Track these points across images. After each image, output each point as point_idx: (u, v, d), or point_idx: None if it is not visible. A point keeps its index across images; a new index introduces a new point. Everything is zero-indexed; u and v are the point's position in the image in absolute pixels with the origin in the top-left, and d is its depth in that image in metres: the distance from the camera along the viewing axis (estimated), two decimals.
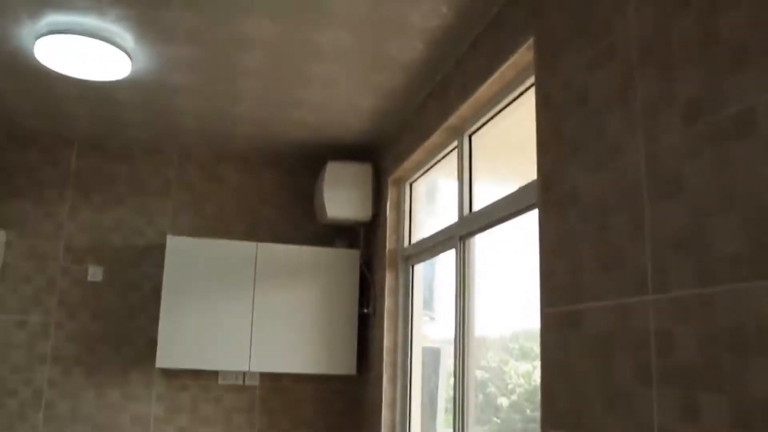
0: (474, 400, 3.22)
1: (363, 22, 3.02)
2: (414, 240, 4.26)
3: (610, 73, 1.94)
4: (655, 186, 1.70)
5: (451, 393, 3.38)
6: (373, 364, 4.49)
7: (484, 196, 3.27)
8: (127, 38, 3.29)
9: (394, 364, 4.25)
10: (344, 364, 4.63)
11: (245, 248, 4.62)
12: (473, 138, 3.43)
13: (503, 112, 3.10)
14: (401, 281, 4.32)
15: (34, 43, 3.33)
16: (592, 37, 2.06)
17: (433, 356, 4.24)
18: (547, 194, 2.27)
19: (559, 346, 2.12)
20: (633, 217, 1.78)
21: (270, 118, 4.30)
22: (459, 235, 3.36)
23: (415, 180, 4.33)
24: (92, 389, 4.69)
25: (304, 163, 5.23)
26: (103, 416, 4.66)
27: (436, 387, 4.14)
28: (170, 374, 4.78)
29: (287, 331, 4.57)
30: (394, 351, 4.26)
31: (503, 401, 3.24)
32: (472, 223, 3.23)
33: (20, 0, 2.99)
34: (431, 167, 4.04)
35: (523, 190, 2.70)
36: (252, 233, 5.06)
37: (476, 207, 3.32)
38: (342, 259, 4.73)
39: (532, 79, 2.71)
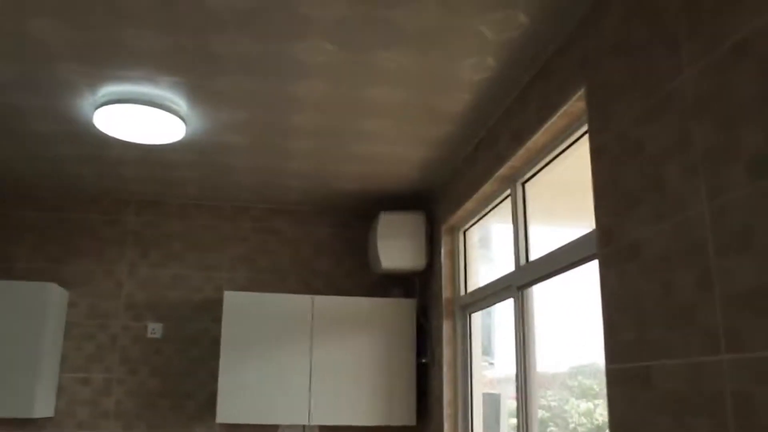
0: None
1: (411, 77, 3.05)
2: (470, 288, 4.22)
3: (666, 124, 1.91)
4: (722, 241, 1.65)
5: None
6: (433, 413, 4.43)
7: (540, 239, 3.24)
8: (181, 104, 3.37)
9: (454, 414, 4.18)
10: (403, 415, 4.57)
11: (301, 301, 4.63)
12: (526, 186, 3.40)
13: (557, 158, 3.08)
14: (459, 330, 4.27)
15: (93, 113, 3.45)
16: (646, 87, 2.03)
17: (493, 402, 4.16)
18: (607, 247, 2.23)
19: (628, 403, 2.06)
20: (700, 273, 1.73)
21: (322, 171, 4.35)
22: (517, 286, 3.31)
23: (469, 228, 4.31)
24: None
25: (356, 214, 5.26)
26: None
27: None
28: (230, 428, 4.79)
29: (346, 383, 4.54)
30: (455, 400, 4.20)
31: None
32: (530, 273, 3.18)
33: (80, 74, 3.10)
34: (484, 215, 4.02)
35: (581, 241, 2.66)
36: (307, 285, 5.09)
37: (533, 254, 3.28)
38: (398, 309, 4.71)
39: (585, 127, 2.69)
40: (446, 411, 4.19)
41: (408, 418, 4.57)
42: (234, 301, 4.58)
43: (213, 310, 4.96)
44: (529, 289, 3.28)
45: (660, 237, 1.92)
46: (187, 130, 3.67)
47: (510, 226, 3.49)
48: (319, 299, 4.66)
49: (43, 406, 4.46)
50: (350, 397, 4.54)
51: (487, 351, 4.27)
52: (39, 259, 4.93)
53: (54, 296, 4.56)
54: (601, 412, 2.90)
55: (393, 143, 3.85)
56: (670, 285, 1.86)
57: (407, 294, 5.05)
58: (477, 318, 4.22)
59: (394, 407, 4.57)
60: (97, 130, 3.72)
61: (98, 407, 4.74)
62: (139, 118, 3.40)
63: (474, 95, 3.22)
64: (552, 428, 3.21)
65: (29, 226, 4.97)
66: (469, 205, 3.96)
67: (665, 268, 1.88)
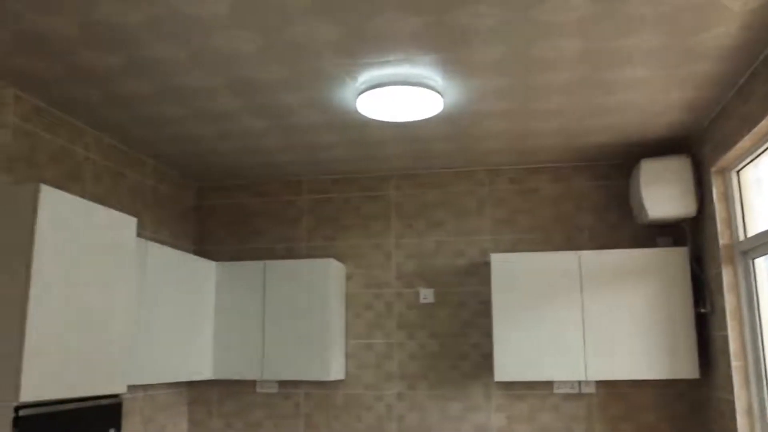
0: None
1: (671, 18, 2.89)
2: (751, 232, 3.94)
3: None
4: None
5: None
6: (718, 366, 4.22)
7: None
8: (437, 79, 3.49)
9: (744, 365, 3.95)
10: (685, 368, 4.40)
11: (568, 258, 4.62)
12: None
13: None
14: (742, 277, 4.01)
15: (356, 100, 3.69)
16: None
17: None
18: None
19: None
20: None
21: (577, 127, 4.28)
22: None
23: (743, 168, 4.00)
24: (436, 402, 5.01)
25: (615, 164, 5.10)
26: (448, 427, 4.96)
27: None
28: (506, 385, 4.94)
29: (620, 337, 4.47)
30: (743, 351, 3.97)
31: None
32: None
33: (342, 66, 3.33)
34: (763, 152, 3.71)
35: None
36: (570, 241, 5.05)
37: None
38: (669, 259, 4.52)
39: None
40: (734, 363, 3.97)
41: (690, 370, 4.40)
42: (501, 262, 4.68)
43: (479, 273, 5.12)
44: None
45: None
46: (444, 103, 3.80)
47: None
48: (586, 255, 4.61)
49: (336, 370, 4.92)
50: (626, 351, 4.46)
51: None
52: (316, 238, 5.40)
53: (334, 271, 4.98)
54: None
55: (651, 89, 3.68)
56: None
57: (676, 242, 4.82)
58: (761, 262, 3.93)
59: (674, 360, 4.42)
60: (360, 115, 3.98)
61: (382, 369, 5.13)
62: (399, 98, 3.58)
63: (743, 26, 2.97)
64: None
65: (304, 209, 5.46)
66: (743, 143, 3.68)
67: None
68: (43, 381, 2.80)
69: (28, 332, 2.74)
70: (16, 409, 2.65)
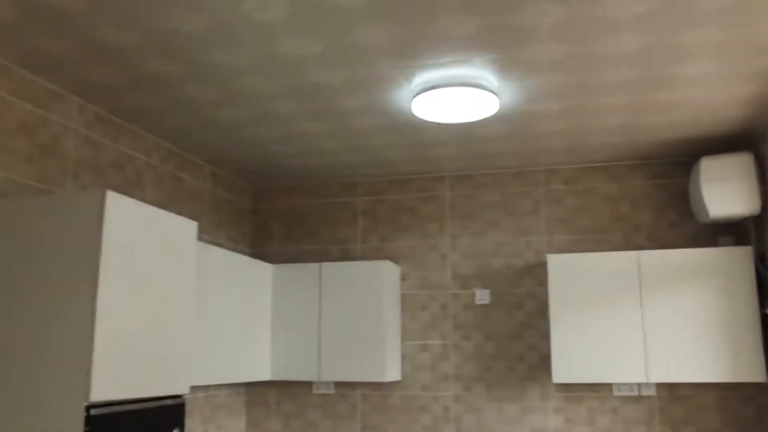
0: None
1: (733, 12, 2.83)
2: None
3: None
4: None
5: None
6: None
7: None
8: (492, 79, 3.48)
9: None
10: (750, 370, 4.29)
11: (627, 258, 4.55)
12: None
13: None
14: None
15: (411, 102, 3.69)
16: None
17: None
18: None
19: None
20: None
21: (635, 125, 4.21)
22: None
23: None
24: (493, 404, 4.99)
25: (673, 162, 5.00)
26: (505, 429, 4.93)
27: None
28: (564, 387, 4.88)
29: (682, 339, 4.38)
30: None
31: None
32: None
33: (398, 69, 3.35)
34: None
35: None
36: (628, 240, 4.97)
37: None
38: (732, 258, 4.41)
39: None
40: None
41: (756, 373, 4.28)
42: (558, 263, 4.64)
43: (535, 274, 5.08)
44: None
45: None
46: (499, 103, 3.78)
47: None
48: (646, 255, 4.53)
49: (392, 371, 4.94)
50: (688, 353, 4.37)
51: None
52: (371, 239, 5.43)
53: (389, 272, 5.00)
54: None
55: (712, 85, 3.61)
56: None
57: (738, 241, 4.71)
58: None
59: (739, 362, 4.31)
60: (415, 117, 3.98)
61: (438, 371, 5.12)
62: (454, 99, 3.58)
63: None
64: None
65: (359, 211, 5.50)
66: None
67: None
68: (111, 382, 2.88)
69: (97, 335, 2.81)
70: (87, 408, 2.72)
